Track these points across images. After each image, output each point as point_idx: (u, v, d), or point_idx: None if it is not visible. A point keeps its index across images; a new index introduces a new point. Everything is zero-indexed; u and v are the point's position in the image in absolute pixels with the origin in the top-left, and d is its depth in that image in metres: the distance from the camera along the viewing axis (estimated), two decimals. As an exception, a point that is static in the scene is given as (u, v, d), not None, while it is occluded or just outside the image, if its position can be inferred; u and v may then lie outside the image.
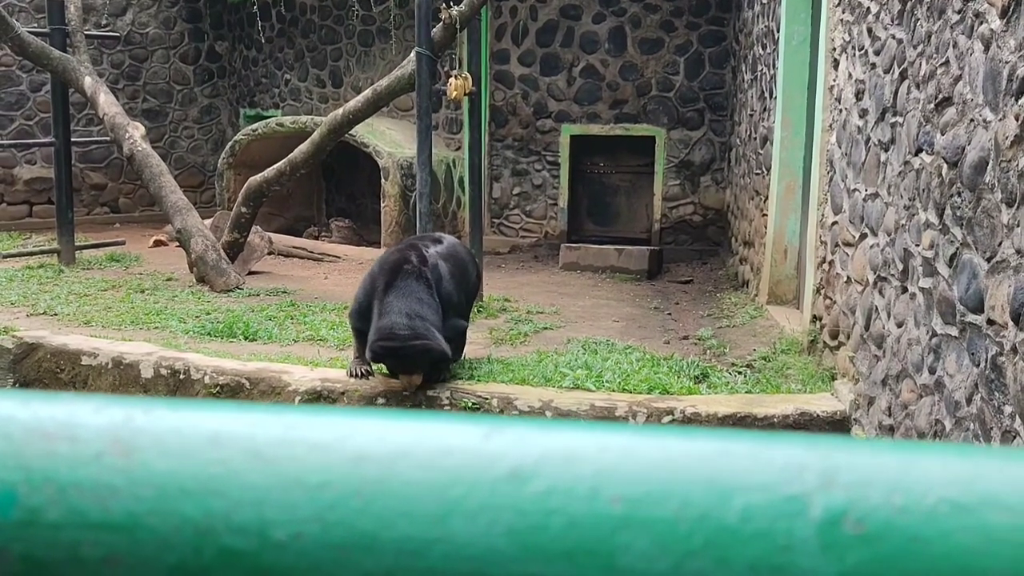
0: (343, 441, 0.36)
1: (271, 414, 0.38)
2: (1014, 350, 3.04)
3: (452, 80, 7.06)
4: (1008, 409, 3.08)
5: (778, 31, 7.45)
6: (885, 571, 0.31)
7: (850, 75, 5.35)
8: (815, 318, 6.02)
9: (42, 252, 9.70)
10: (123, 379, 5.81)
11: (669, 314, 7.97)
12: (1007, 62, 3.16)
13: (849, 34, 5.41)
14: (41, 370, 6.09)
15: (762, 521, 0.32)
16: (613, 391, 5.25)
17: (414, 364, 5.10)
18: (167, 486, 0.36)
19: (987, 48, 3.34)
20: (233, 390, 5.50)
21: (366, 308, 5.31)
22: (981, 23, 3.40)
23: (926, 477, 0.32)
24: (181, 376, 5.66)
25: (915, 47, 4.18)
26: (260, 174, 8.72)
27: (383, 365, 5.31)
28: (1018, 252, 3.04)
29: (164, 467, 0.36)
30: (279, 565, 0.34)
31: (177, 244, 9.17)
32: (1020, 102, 3.04)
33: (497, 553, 0.33)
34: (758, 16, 8.72)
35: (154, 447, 0.36)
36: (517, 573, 0.33)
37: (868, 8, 4.99)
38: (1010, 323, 3.07)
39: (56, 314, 7.12)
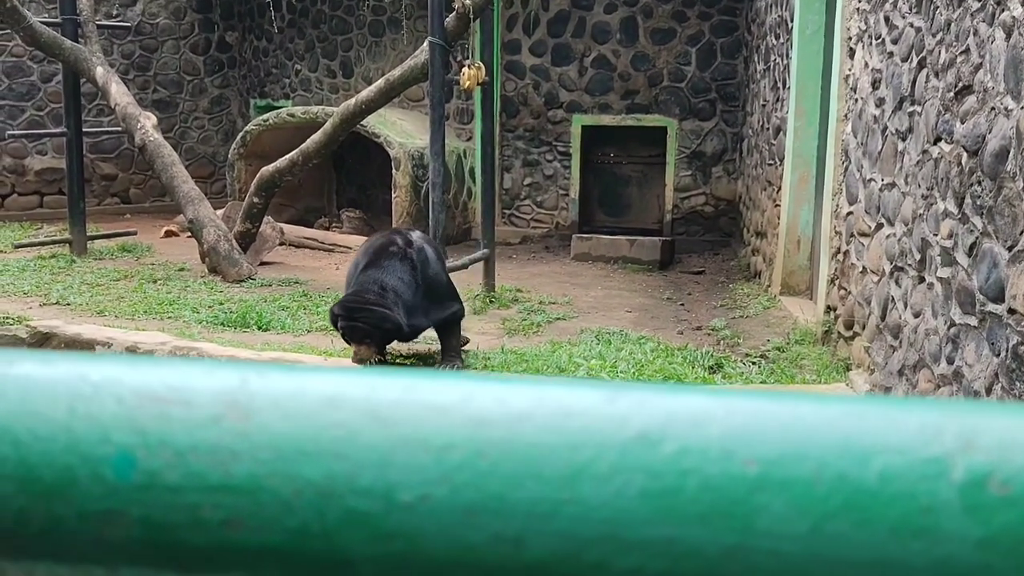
0: (462, 404, 0.35)
1: (387, 377, 0.38)
2: (1036, 339, 3.03)
3: (465, 70, 7.05)
4: (1030, 398, 3.07)
5: (791, 21, 7.42)
6: (1033, 533, 0.31)
7: (866, 64, 5.32)
8: (829, 308, 6.00)
9: (54, 242, 9.72)
10: (137, 368, 5.82)
11: (682, 305, 7.96)
12: (1030, 50, 3.13)
13: (865, 23, 5.38)
14: (56, 359, 6.11)
15: (902, 483, 0.32)
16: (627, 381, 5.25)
17: (366, 331, 5.02)
18: (287, 449, 0.35)
19: (1009, 36, 3.31)
20: (247, 379, 5.50)
21: None
22: (1003, 10, 3.37)
23: (1070, 438, 0.32)
24: (195, 365, 5.67)
25: (934, 35, 4.16)
26: (272, 164, 8.72)
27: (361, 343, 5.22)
28: (1041, 241, 3.02)
29: (284, 430, 0.36)
30: (406, 527, 0.34)
31: (189, 234, 9.18)
32: (1044, 90, 3.02)
33: (630, 515, 0.33)
34: (771, 6, 8.68)
35: (272, 410, 0.36)
36: (652, 536, 0.33)
37: (885, -4, 4.96)
38: (1032, 312, 3.06)
39: (69, 304, 7.13)
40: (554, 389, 0.36)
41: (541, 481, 0.33)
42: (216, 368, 0.38)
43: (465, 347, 5.84)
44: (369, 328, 5.01)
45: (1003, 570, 0.31)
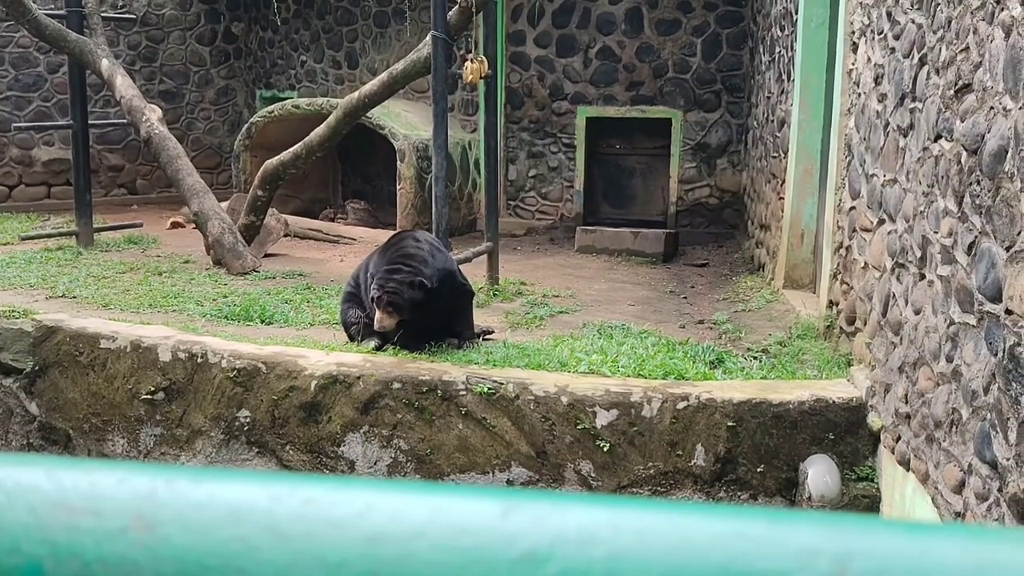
0: (359, 519, 0.36)
1: (289, 486, 0.39)
2: (1032, 341, 3.02)
3: (468, 64, 7.03)
4: (1025, 400, 3.07)
5: (796, 13, 7.39)
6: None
7: (869, 59, 5.30)
8: (831, 303, 5.99)
9: (60, 234, 9.75)
10: (141, 363, 5.84)
11: (684, 298, 7.96)
12: (1028, 50, 3.12)
13: (868, 17, 5.36)
14: (60, 353, 6.13)
15: (777, 609, 0.33)
16: (628, 376, 5.25)
17: (395, 290, 5.47)
18: (188, 562, 0.36)
19: (1008, 35, 3.30)
20: (250, 374, 5.53)
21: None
22: (1002, 10, 3.36)
23: (941, 563, 0.32)
24: (199, 360, 5.70)
25: (935, 32, 4.14)
26: (276, 157, 8.73)
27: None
28: (1037, 243, 3.02)
29: (185, 543, 0.37)
30: (299, 645, 0.35)
31: (194, 226, 9.20)
32: (1041, 91, 3.01)
33: (513, 637, 0.34)
34: (776, -3, 8.65)
35: (175, 522, 0.37)
36: (533, 658, 0.33)
37: (888, -8, 4.94)
38: (1028, 314, 3.05)
39: (75, 297, 7.16)
40: (451, 500, 0.37)
41: (430, 601, 0.34)
42: (129, 475, 0.39)
43: (492, 335, 6.13)
44: (398, 286, 5.34)
45: None
